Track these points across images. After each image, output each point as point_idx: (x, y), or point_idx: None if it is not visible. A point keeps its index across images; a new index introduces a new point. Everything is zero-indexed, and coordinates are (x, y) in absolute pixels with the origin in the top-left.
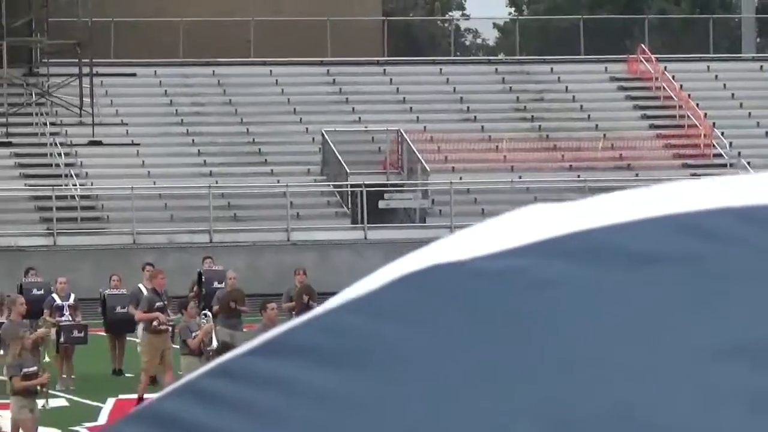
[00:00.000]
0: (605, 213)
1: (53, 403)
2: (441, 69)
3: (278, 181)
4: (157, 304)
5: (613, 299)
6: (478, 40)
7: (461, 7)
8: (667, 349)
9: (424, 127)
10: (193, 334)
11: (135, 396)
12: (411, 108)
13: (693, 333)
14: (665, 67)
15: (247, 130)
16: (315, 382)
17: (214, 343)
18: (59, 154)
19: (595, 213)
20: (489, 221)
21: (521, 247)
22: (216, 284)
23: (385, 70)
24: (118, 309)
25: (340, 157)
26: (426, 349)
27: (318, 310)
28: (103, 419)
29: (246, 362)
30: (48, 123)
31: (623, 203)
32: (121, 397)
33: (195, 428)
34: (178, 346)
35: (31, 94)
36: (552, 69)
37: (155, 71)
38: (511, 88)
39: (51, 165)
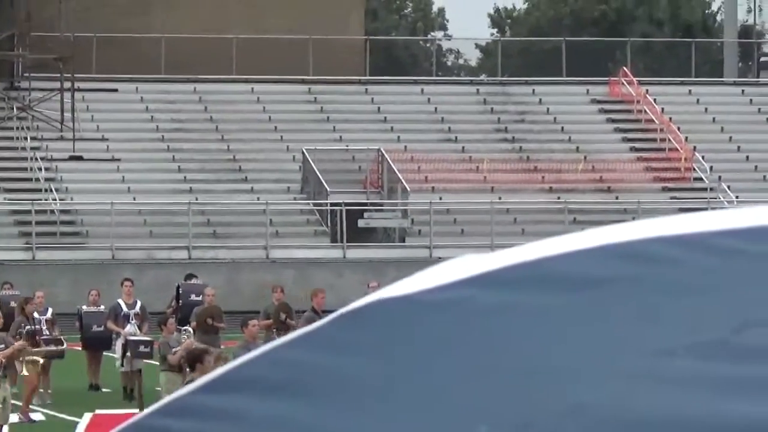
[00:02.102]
0: (543, 248)
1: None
2: (422, 89)
3: (258, 199)
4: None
5: (560, 319)
6: (460, 61)
7: (444, 28)
8: (614, 354)
9: (405, 146)
10: (174, 350)
11: (112, 411)
12: (392, 127)
13: (636, 340)
14: (647, 90)
15: (228, 147)
16: (263, 412)
17: None
18: (39, 169)
19: (533, 249)
20: (431, 268)
21: (465, 280)
22: (193, 297)
23: (366, 89)
24: (95, 327)
25: (320, 176)
26: (371, 375)
27: (264, 347)
28: None
29: (196, 399)
30: (29, 137)
31: (560, 241)
32: (98, 412)
33: None
34: (157, 363)
35: (12, 108)
36: (533, 90)
37: (137, 87)
38: (492, 108)
39: (31, 179)
